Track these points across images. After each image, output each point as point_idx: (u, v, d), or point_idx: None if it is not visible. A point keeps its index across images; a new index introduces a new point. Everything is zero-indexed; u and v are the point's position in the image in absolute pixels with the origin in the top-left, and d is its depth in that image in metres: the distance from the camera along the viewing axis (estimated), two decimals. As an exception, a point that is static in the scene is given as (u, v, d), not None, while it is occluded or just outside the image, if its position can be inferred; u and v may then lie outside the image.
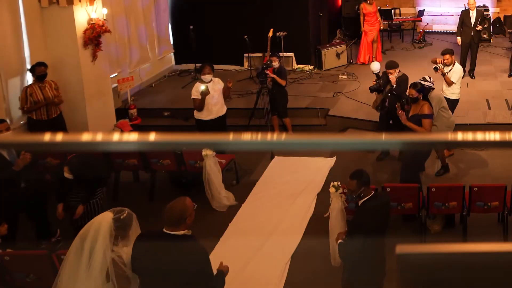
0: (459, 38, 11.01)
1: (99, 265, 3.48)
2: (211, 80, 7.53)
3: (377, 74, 7.97)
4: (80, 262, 3.50)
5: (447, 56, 8.08)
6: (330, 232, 5.55)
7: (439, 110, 7.21)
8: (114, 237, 3.58)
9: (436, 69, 8.05)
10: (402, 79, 7.68)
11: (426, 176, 7.54)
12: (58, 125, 7.43)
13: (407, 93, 6.88)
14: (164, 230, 3.69)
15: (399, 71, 7.79)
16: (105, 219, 3.60)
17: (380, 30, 12.55)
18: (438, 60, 8.17)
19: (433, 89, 7.36)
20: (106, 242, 3.53)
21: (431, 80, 7.16)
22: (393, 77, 7.70)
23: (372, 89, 7.86)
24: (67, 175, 5.42)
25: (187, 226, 3.70)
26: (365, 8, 12.08)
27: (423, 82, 7.29)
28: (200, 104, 7.47)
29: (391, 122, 7.95)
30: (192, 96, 7.50)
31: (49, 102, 7.33)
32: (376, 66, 8.19)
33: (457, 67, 8.16)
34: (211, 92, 7.43)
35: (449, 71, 8.04)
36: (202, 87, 7.35)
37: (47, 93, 7.34)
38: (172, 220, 3.66)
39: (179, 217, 3.65)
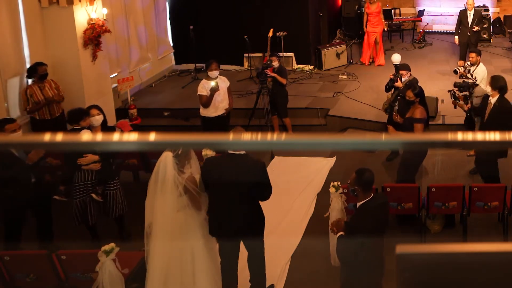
0: (456, 37, 11.08)
1: (170, 185, 4.71)
2: (217, 76, 7.54)
3: (396, 66, 7.94)
4: (156, 187, 4.76)
5: (473, 54, 8.18)
6: (330, 232, 5.53)
7: None
8: (178, 166, 4.73)
9: (456, 71, 8.08)
10: (412, 83, 7.65)
11: (427, 176, 7.54)
12: (61, 123, 7.43)
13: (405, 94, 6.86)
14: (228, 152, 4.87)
15: (410, 74, 7.74)
16: (167, 156, 4.72)
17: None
18: (459, 62, 8.21)
19: (477, 85, 7.35)
20: (172, 171, 4.70)
21: (473, 77, 7.14)
22: (403, 79, 7.65)
23: (391, 80, 7.73)
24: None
25: None
26: (368, 7, 12.01)
27: (465, 80, 7.32)
28: (207, 101, 7.45)
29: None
30: (199, 93, 7.49)
31: (50, 100, 7.35)
32: (396, 58, 8.15)
33: (480, 68, 8.16)
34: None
35: (473, 71, 8.04)
36: (212, 83, 7.35)
37: (47, 92, 7.35)
38: None
39: None
